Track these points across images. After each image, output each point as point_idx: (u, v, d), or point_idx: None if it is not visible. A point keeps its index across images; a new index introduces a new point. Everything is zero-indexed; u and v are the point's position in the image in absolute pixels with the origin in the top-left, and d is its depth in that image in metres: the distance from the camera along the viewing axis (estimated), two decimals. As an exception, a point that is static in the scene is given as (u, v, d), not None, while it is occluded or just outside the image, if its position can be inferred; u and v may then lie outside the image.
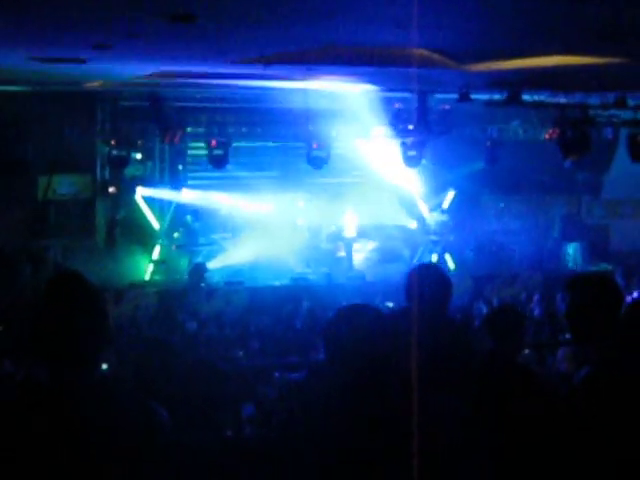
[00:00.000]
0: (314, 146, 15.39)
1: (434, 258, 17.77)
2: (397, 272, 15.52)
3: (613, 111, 14.51)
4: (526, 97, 13.34)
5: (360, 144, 16.87)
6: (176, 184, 17.35)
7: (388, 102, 15.49)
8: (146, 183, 17.07)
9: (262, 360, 11.84)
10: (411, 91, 14.20)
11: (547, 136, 15.52)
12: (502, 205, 19.07)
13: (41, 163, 15.90)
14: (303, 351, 11.74)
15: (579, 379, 3.49)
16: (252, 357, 12.15)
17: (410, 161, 15.61)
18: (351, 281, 16.51)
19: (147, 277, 16.88)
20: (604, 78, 11.62)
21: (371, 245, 18.34)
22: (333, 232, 17.62)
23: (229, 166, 15.86)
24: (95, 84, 13.65)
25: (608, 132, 16.95)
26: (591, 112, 14.41)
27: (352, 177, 17.77)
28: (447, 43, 8.53)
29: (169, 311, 14.81)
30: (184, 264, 16.96)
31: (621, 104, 13.75)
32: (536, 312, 14.39)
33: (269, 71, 10.68)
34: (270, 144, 17.41)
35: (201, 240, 17.21)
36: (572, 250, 18.52)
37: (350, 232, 17.84)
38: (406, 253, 18.29)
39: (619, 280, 12.92)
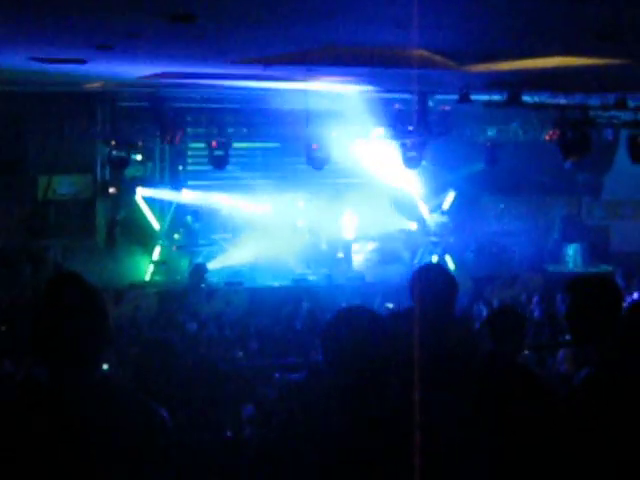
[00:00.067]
0: (314, 147, 15.35)
1: (434, 259, 17.74)
2: (397, 273, 15.57)
3: (613, 112, 14.48)
4: (526, 98, 13.33)
5: (360, 145, 16.85)
6: (176, 185, 17.36)
7: (388, 103, 15.48)
8: (146, 183, 17.09)
9: (262, 361, 11.84)
10: (411, 92, 14.18)
11: (547, 137, 15.48)
12: (502, 206, 19.05)
13: (41, 163, 15.90)
14: (303, 352, 11.72)
15: (579, 380, 3.49)
16: (252, 358, 12.15)
17: (410, 162, 15.58)
18: (351, 282, 16.53)
19: (147, 278, 16.89)
20: (604, 79, 11.61)
21: (371, 246, 18.35)
22: (333, 235, 17.62)
23: (229, 167, 15.88)
24: (95, 85, 13.64)
25: (608, 133, 16.93)
26: (591, 113, 14.38)
27: (352, 178, 17.74)
28: (447, 43, 8.52)
29: (169, 312, 14.82)
30: (184, 265, 16.97)
31: (621, 105, 13.73)
32: (536, 313, 14.36)
33: (269, 72, 10.68)
34: (270, 145, 17.42)
35: (201, 241, 17.23)
36: (572, 251, 18.50)
37: (349, 233, 17.85)
38: (406, 254, 18.30)
39: (619, 281, 12.90)
